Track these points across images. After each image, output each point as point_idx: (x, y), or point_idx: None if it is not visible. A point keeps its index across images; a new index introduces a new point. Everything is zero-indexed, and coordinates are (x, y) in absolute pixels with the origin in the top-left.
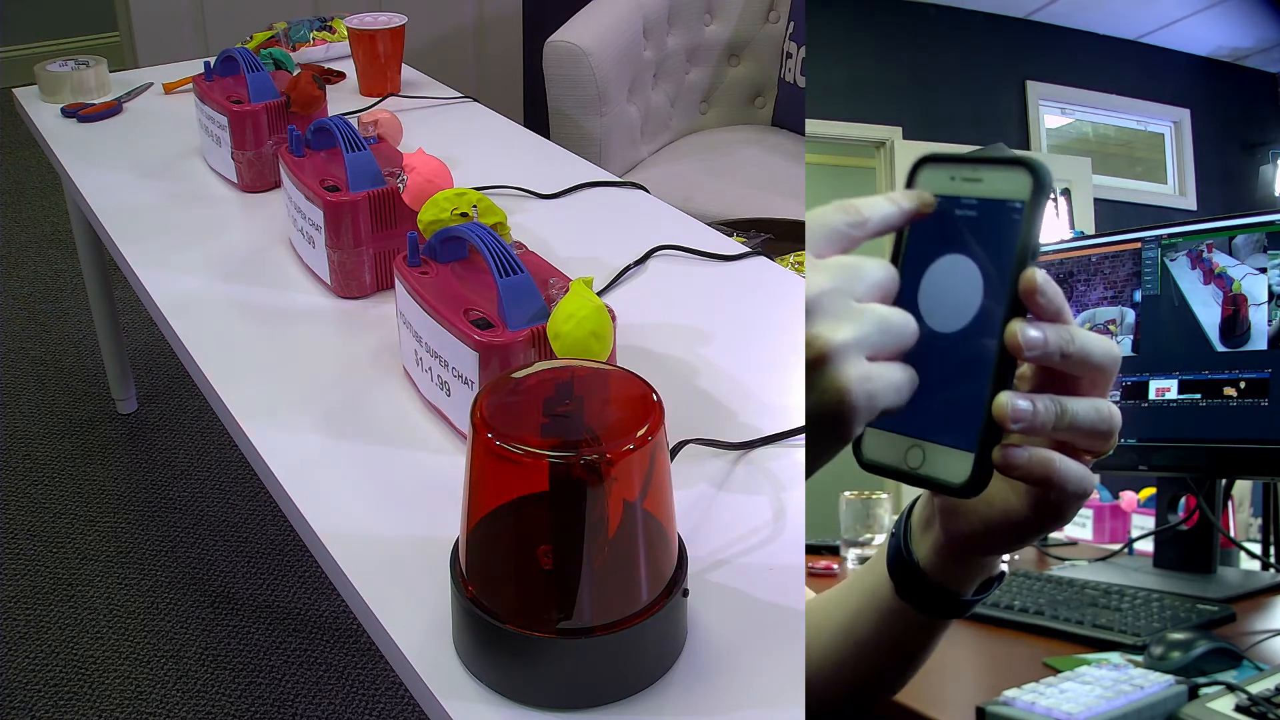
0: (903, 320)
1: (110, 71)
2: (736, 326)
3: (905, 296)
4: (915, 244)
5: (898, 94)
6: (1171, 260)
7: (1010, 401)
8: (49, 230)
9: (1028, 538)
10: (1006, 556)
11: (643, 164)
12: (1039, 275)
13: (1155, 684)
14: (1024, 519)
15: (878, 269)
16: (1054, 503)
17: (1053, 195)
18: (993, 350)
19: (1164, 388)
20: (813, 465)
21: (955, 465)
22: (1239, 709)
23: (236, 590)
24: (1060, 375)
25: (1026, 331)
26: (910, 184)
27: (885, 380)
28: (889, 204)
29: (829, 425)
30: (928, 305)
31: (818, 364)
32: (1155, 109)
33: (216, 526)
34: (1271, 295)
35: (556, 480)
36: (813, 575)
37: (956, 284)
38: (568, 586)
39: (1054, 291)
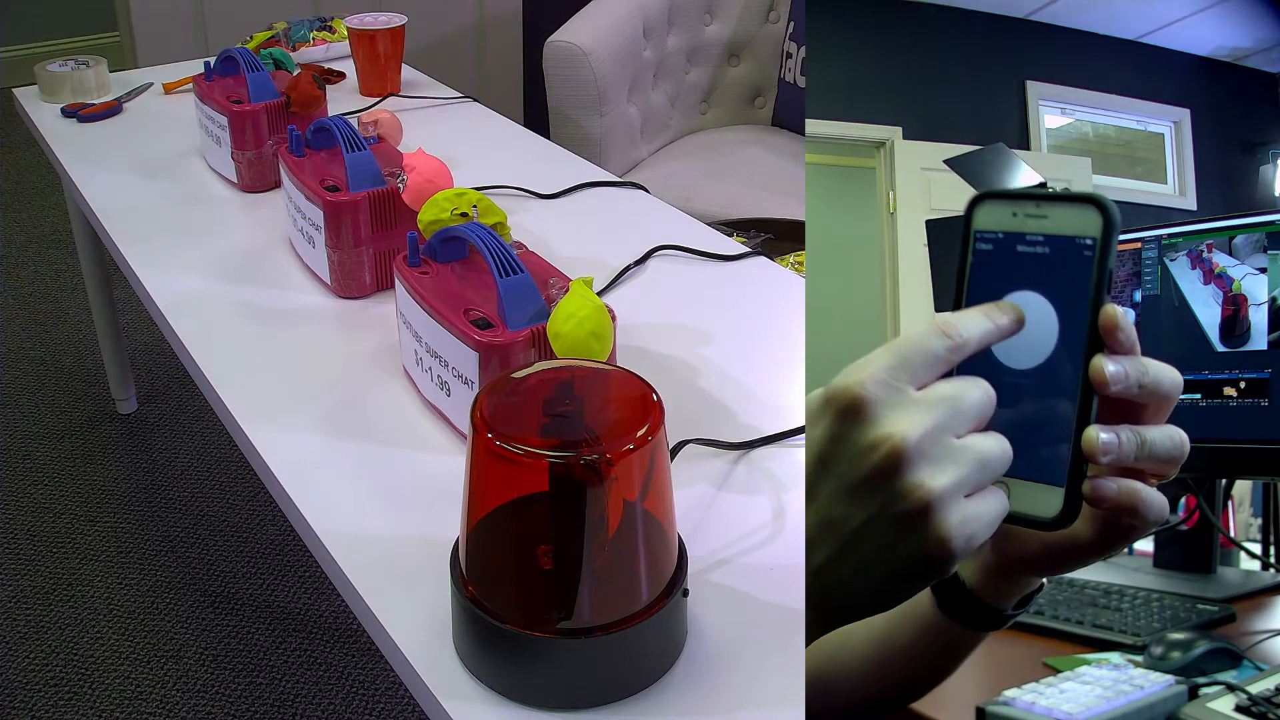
0: (1000, 452)
1: (110, 71)
2: (736, 326)
3: None
4: (981, 279)
5: (898, 94)
6: (1171, 260)
7: (1098, 435)
8: (49, 230)
9: (1089, 560)
10: None
11: (643, 164)
12: (1119, 313)
13: (1155, 684)
14: (1089, 544)
15: (977, 396)
16: (1126, 528)
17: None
18: (1073, 385)
19: None
20: (901, 600)
21: (1044, 500)
22: (1239, 709)
23: (236, 590)
24: (1124, 403)
25: (1109, 367)
26: (968, 222)
27: (983, 520)
28: (986, 321)
29: (927, 569)
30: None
31: (918, 513)
32: (1155, 109)
33: (216, 526)
34: (1274, 308)
35: (556, 480)
36: None
37: (1030, 320)
38: (568, 586)
39: (1130, 327)
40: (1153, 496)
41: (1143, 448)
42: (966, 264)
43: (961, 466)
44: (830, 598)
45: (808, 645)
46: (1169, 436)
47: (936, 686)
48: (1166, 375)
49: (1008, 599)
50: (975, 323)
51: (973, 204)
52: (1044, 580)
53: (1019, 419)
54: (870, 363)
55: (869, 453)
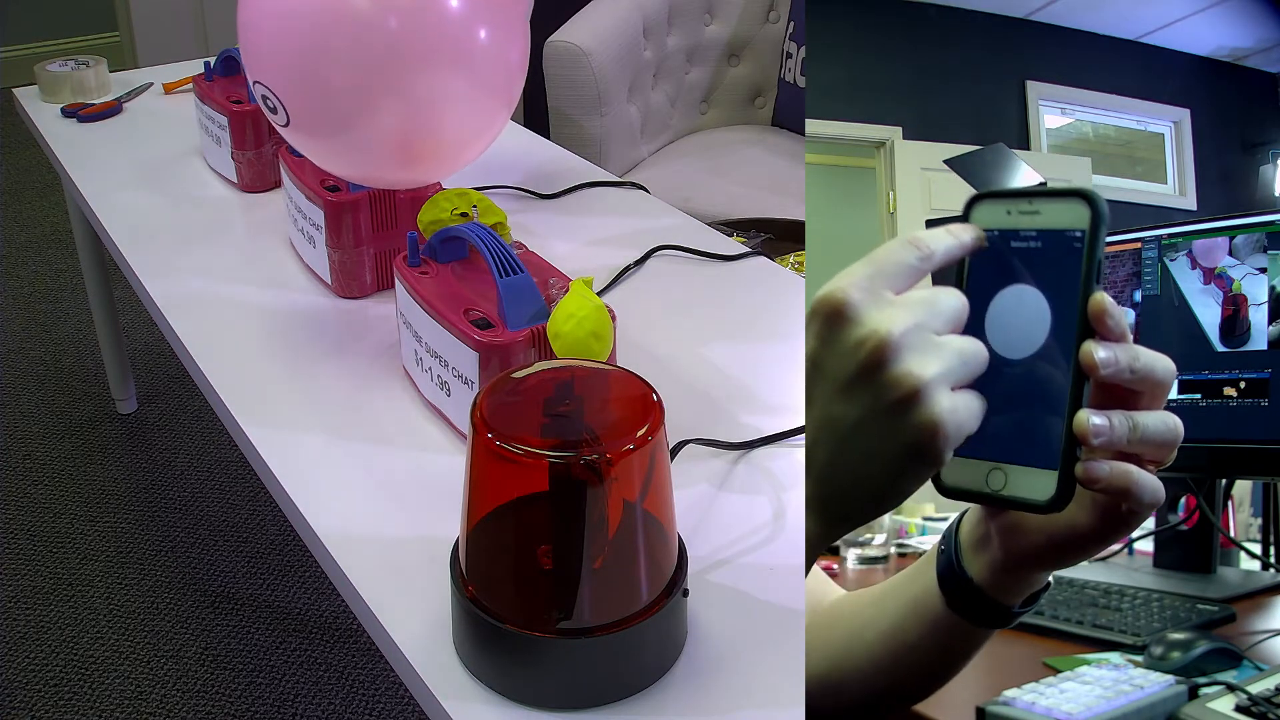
0: (977, 350)
1: (110, 71)
2: (736, 326)
3: (972, 327)
4: (978, 276)
5: (898, 94)
6: (1171, 260)
7: (1089, 418)
8: (49, 230)
9: (1092, 550)
10: None
11: (643, 164)
12: (1107, 300)
13: (1155, 684)
14: (1090, 531)
15: (952, 300)
16: (1125, 513)
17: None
18: (1066, 372)
19: None
20: (902, 496)
21: (1038, 483)
22: (1239, 709)
23: (236, 590)
24: (1120, 391)
25: (1099, 352)
26: (966, 219)
27: (969, 410)
28: (950, 237)
29: (923, 457)
30: (995, 334)
31: (909, 401)
32: (1155, 109)
33: (216, 526)
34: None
35: (556, 480)
36: None
37: (1024, 312)
38: (568, 586)
39: (1119, 313)
40: (1145, 479)
41: (1135, 430)
42: (965, 262)
43: (945, 358)
44: (833, 503)
45: (809, 563)
46: (1162, 420)
47: (943, 685)
48: (1159, 361)
49: (1015, 596)
50: (941, 238)
51: (970, 204)
52: (1050, 579)
53: (1014, 406)
54: (850, 273)
55: (857, 349)
